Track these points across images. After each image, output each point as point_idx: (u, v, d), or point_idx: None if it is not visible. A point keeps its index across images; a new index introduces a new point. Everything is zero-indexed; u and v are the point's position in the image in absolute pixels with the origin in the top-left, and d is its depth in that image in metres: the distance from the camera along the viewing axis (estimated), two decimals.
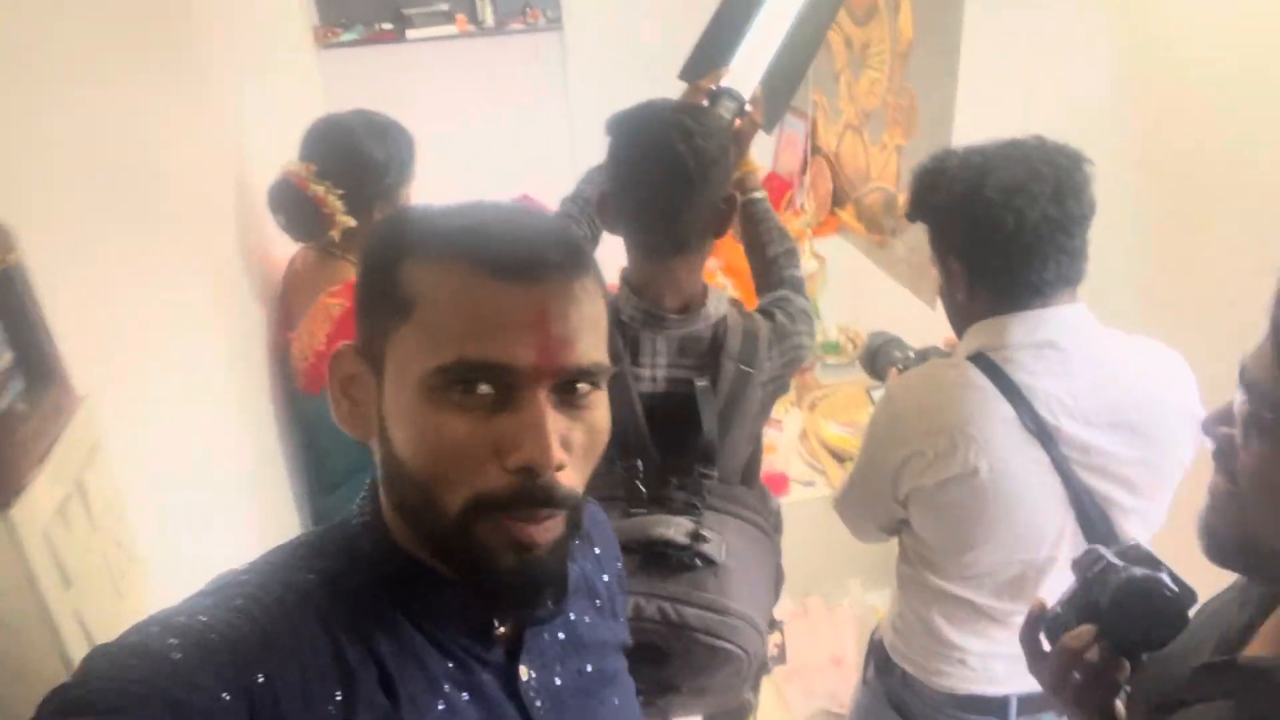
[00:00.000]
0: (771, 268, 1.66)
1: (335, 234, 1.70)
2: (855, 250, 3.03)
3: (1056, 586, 1.27)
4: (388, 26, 3.52)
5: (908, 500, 1.34)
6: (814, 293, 3.11)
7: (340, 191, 1.68)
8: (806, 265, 3.10)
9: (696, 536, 1.37)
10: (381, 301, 0.64)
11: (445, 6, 3.56)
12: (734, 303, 1.50)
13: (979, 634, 1.38)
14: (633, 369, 1.43)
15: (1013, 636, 1.37)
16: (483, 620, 0.70)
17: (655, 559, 1.38)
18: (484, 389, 0.61)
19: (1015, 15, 2.16)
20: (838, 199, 3.13)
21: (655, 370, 1.44)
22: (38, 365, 0.78)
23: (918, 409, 1.33)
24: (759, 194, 1.72)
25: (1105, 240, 1.38)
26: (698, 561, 1.37)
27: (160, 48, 1.41)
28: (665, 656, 1.40)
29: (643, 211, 1.39)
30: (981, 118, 2.34)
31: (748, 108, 1.68)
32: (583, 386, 0.64)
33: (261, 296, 1.76)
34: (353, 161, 1.70)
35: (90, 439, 0.84)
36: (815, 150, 3.22)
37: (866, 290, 3.04)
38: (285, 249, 1.85)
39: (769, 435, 2.87)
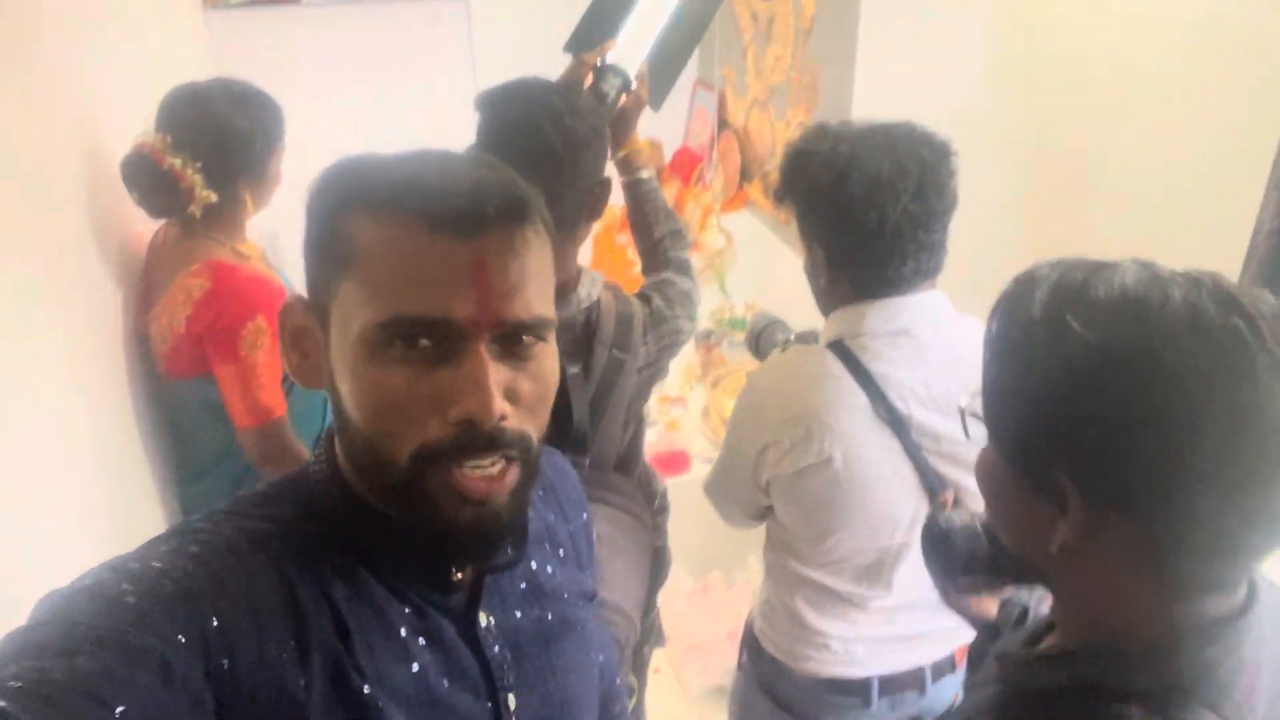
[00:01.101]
0: (657, 249, 1.63)
1: (195, 210, 1.61)
2: (763, 226, 3.02)
3: (912, 571, 1.30)
4: None
5: (769, 487, 1.34)
6: (721, 269, 3.10)
7: (199, 164, 1.59)
8: (714, 241, 3.09)
9: None
10: (324, 254, 0.65)
11: None
12: (610, 286, 1.46)
13: (840, 618, 1.39)
14: None
15: (872, 620, 1.40)
16: (441, 567, 0.70)
17: None
18: (424, 343, 0.61)
19: None
20: (746, 174, 3.11)
21: None
22: None
23: (776, 396, 1.33)
24: (645, 173, 1.68)
25: (979, 227, 1.39)
26: None
27: None
28: None
29: None
30: (879, 98, 2.33)
31: (634, 84, 1.63)
32: (527, 338, 0.65)
33: (119, 278, 1.66)
34: (214, 132, 1.60)
35: None
36: (724, 124, 3.19)
37: (773, 267, 3.03)
38: (149, 226, 1.76)
39: (671, 412, 2.86)
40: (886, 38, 2.31)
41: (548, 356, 0.68)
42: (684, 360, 2.99)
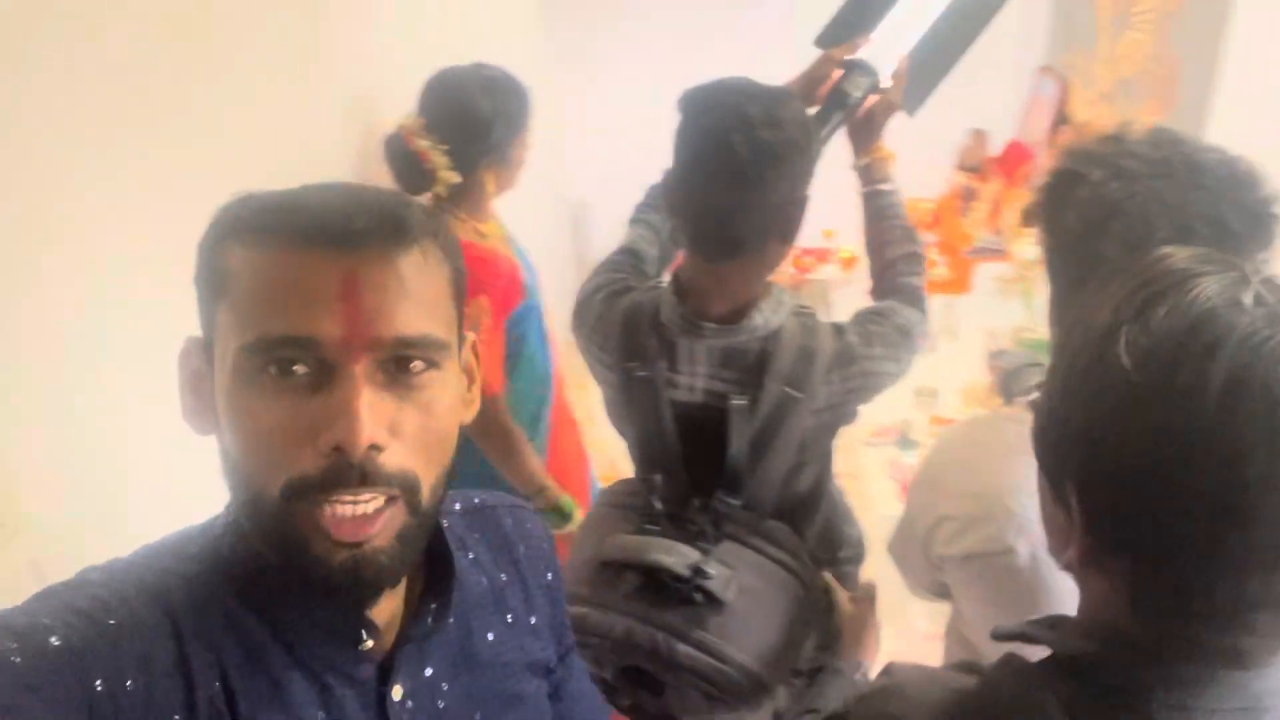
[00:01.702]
0: (887, 272, 1.44)
1: (440, 189, 1.69)
2: None
3: None
4: None
5: (942, 566, 1.14)
6: (1029, 285, 2.72)
7: (445, 147, 1.66)
8: (1027, 252, 2.72)
9: (698, 570, 1.24)
10: (203, 285, 0.63)
11: None
12: (800, 313, 1.31)
13: None
14: (669, 375, 1.30)
15: None
16: (350, 631, 0.65)
17: (656, 584, 1.27)
18: (299, 369, 0.57)
19: None
20: None
21: (694, 380, 1.30)
22: None
23: (958, 466, 1.11)
24: (887, 185, 1.49)
25: None
26: (698, 596, 1.24)
27: None
28: (662, 688, 1.30)
29: (692, 206, 1.24)
30: (1246, 102, 1.88)
31: (885, 84, 1.44)
32: (416, 364, 0.59)
33: None
34: (459, 117, 1.67)
35: None
36: (1064, 119, 2.77)
37: None
38: None
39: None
40: (1267, 22, 1.84)
41: (442, 387, 0.61)
42: (968, 379, 2.68)
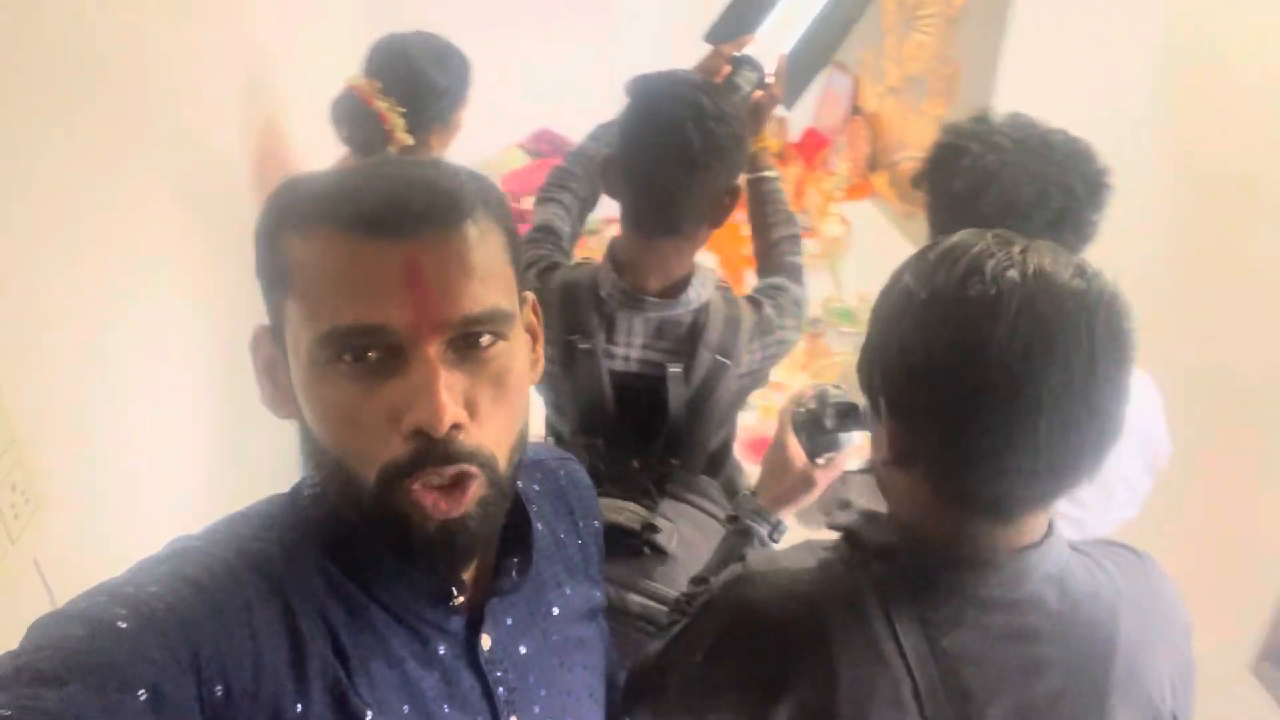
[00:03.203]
0: (773, 251, 1.60)
1: (393, 149, 1.75)
2: (884, 218, 2.93)
3: None
4: None
5: None
6: (835, 257, 3.03)
7: (401, 110, 1.73)
8: (831, 229, 3.02)
9: (648, 525, 1.35)
10: (267, 277, 0.64)
11: None
12: (721, 286, 1.44)
13: None
14: (606, 346, 1.39)
15: None
16: (441, 589, 0.68)
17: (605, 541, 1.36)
18: (372, 355, 0.59)
19: None
20: (874, 163, 3.02)
21: (630, 350, 1.40)
22: None
23: None
24: (771, 173, 1.65)
25: (1136, 241, 1.31)
26: (647, 549, 1.35)
27: None
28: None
29: (639, 186, 1.33)
30: (1022, 98, 2.22)
31: (769, 79, 1.60)
32: (485, 338, 0.62)
33: None
34: (416, 85, 1.76)
35: None
36: (856, 110, 3.09)
37: (891, 260, 2.94)
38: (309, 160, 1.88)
39: (771, 398, 2.83)
40: (1039, 30, 2.19)
41: (512, 356, 0.64)
42: None
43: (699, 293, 1.38)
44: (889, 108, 2.87)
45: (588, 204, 1.61)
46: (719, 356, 1.39)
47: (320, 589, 0.64)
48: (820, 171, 3.16)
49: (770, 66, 1.59)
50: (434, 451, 0.60)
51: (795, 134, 3.29)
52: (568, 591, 0.82)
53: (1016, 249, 0.76)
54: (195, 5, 1.54)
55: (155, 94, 1.35)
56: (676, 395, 1.38)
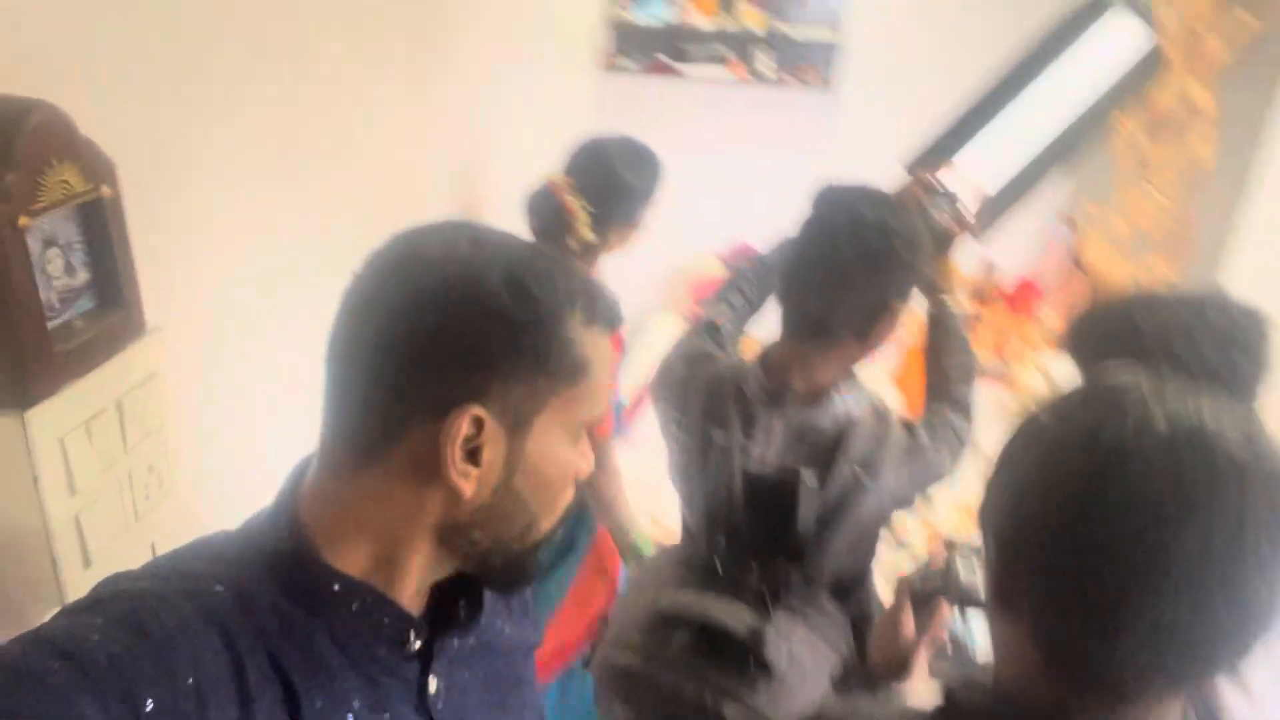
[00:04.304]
0: (943, 380, 1.51)
1: (573, 244, 1.82)
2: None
3: None
4: (667, 60, 3.64)
5: None
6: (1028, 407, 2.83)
7: (591, 209, 1.81)
8: (1030, 380, 2.83)
9: (756, 635, 1.26)
10: (544, 363, 0.65)
11: (726, 51, 3.62)
12: (879, 409, 1.37)
13: None
14: (744, 443, 1.35)
15: None
16: (401, 634, 0.69)
17: (709, 642, 1.29)
18: None
19: None
20: None
21: (767, 451, 1.35)
22: (110, 290, 0.85)
23: None
24: (951, 301, 1.57)
25: None
26: (751, 660, 1.26)
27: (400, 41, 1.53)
28: None
29: (791, 285, 1.32)
30: (1255, 264, 2.03)
31: (963, 211, 1.55)
32: None
33: None
34: (608, 184, 1.83)
35: (147, 367, 0.90)
36: (1078, 264, 2.93)
37: None
38: None
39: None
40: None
41: None
42: (962, 495, 2.75)
43: (846, 404, 1.32)
44: (1111, 262, 2.70)
45: (754, 307, 1.61)
46: (859, 471, 1.30)
47: (275, 633, 0.62)
48: (1025, 317, 3.00)
49: (970, 193, 1.55)
50: None
51: (1009, 283, 3.15)
52: (507, 631, 0.82)
53: (1174, 397, 0.65)
54: (433, 92, 1.69)
55: (384, 164, 1.49)
56: (808, 504, 1.31)
